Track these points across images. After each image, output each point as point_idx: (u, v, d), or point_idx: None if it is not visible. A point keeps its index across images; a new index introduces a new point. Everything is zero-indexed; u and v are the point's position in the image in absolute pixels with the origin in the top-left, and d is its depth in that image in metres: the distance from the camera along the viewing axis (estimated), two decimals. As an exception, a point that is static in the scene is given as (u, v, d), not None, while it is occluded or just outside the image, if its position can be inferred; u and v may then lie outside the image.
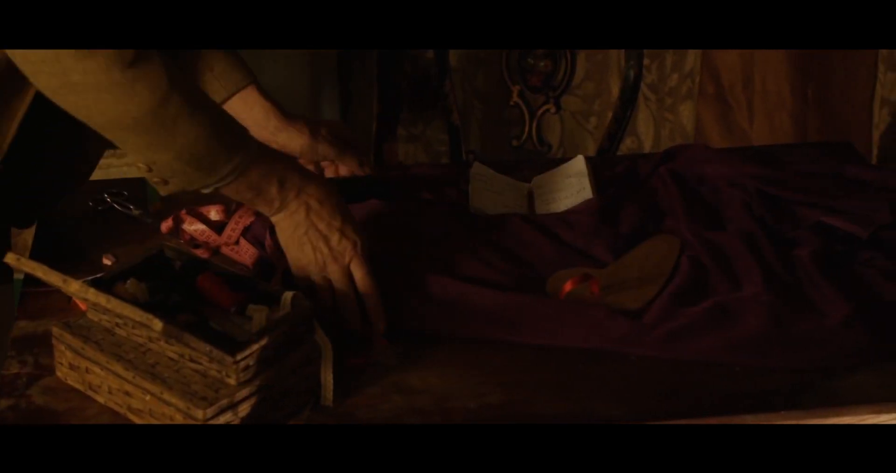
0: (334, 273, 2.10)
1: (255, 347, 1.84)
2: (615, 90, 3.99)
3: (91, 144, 2.23)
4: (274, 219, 2.10)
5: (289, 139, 2.39)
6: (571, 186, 2.52)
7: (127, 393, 1.89)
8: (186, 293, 2.00)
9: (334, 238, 2.09)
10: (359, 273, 2.11)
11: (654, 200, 2.48)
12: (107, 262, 2.28)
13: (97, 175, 3.47)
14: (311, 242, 2.09)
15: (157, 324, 1.82)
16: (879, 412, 2.00)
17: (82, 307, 2.11)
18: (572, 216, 2.39)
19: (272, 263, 2.21)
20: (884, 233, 2.36)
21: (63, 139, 2.17)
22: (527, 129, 3.36)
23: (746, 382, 2.03)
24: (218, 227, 2.32)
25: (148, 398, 1.87)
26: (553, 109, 3.34)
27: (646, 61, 3.94)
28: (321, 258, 2.09)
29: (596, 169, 2.59)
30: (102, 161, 3.48)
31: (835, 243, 2.32)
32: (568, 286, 2.16)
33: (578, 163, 2.59)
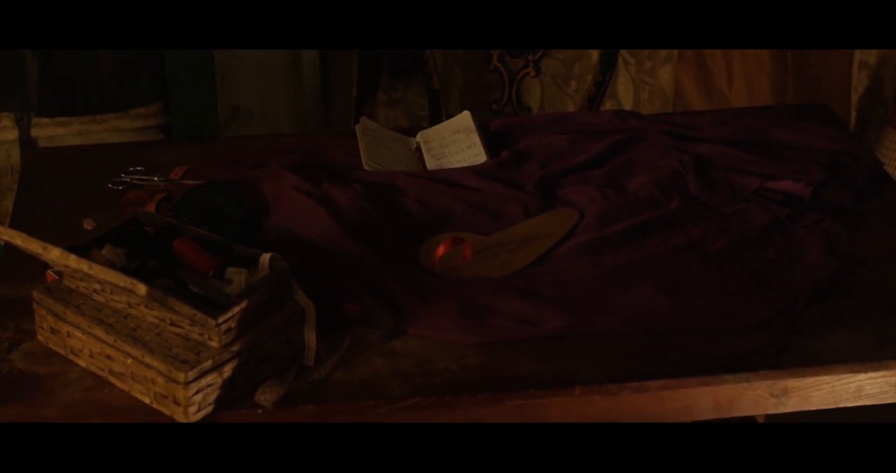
0: None
1: (237, 309, 1.84)
2: (595, 54, 3.98)
3: None
4: None
5: None
6: (460, 141, 2.54)
7: (108, 357, 1.90)
8: (163, 258, 2.00)
9: None
10: None
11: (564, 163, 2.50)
12: (87, 226, 2.28)
13: (75, 140, 3.49)
14: None
15: (142, 288, 1.82)
16: (856, 371, 2.01)
17: (50, 278, 2.11)
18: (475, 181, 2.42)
19: None
20: (821, 192, 2.40)
21: None
22: (507, 93, 3.35)
23: (725, 343, 2.04)
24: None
25: (129, 361, 1.87)
26: (533, 73, 3.33)
27: (625, 25, 3.93)
28: None
29: (484, 127, 2.60)
30: (82, 127, 3.50)
31: (778, 207, 2.34)
32: (441, 251, 2.17)
33: (465, 119, 2.60)
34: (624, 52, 4.06)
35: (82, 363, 1.95)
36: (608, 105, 4.07)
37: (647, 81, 4.08)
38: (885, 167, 2.55)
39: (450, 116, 2.73)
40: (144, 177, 2.42)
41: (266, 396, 1.89)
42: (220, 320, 1.83)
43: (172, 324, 1.88)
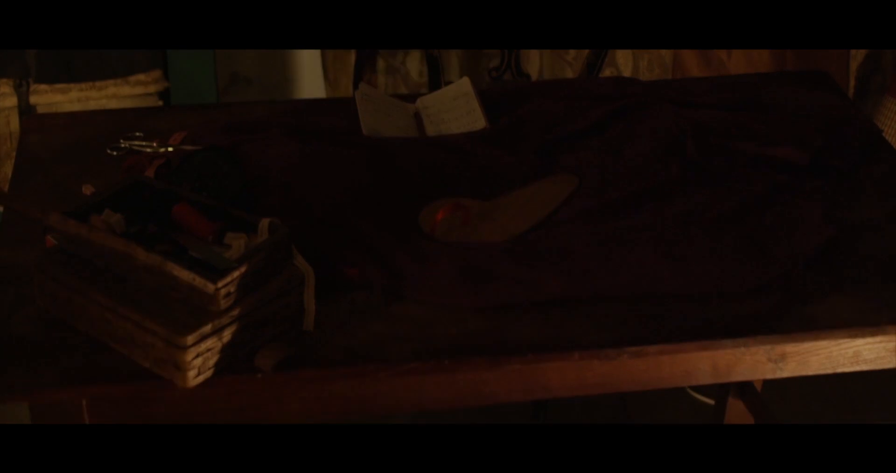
0: None
1: (236, 274, 1.84)
2: (594, 21, 3.97)
3: None
4: None
5: None
6: (459, 107, 2.54)
7: (108, 322, 1.90)
8: (162, 223, 2.00)
9: None
10: None
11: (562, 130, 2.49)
12: (86, 192, 2.28)
13: (74, 106, 3.49)
14: None
15: (141, 253, 1.83)
16: (854, 336, 2.02)
17: (49, 243, 2.11)
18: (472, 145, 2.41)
19: None
20: (820, 158, 2.40)
21: None
22: (506, 60, 3.35)
23: (723, 308, 2.04)
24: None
25: (129, 326, 1.87)
26: (532, 40, 3.32)
27: (624, -8, 3.92)
28: None
29: (483, 93, 2.59)
30: (80, 94, 3.50)
31: (776, 173, 2.34)
32: (440, 216, 2.18)
33: (464, 85, 2.60)
34: (623, 20, 4.05)
35: (82, 328, 1.95)
36: (607, 73, 4.07)
37: (647, 48, 4.07)
38: (883, 134, 2.55)
39: (448, 83, 2.73)
40: (143, 143, 2.42)
41: (265, 360, 1.89)
42: (220, 284, 1.83)
43: (172, 289, 1.88)
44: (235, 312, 1.86)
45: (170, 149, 2.39)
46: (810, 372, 2.06)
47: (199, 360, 1.84)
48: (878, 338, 2.03)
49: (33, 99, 3.49)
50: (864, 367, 2.06)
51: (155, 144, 2.41)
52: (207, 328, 1.84)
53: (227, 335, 1.86)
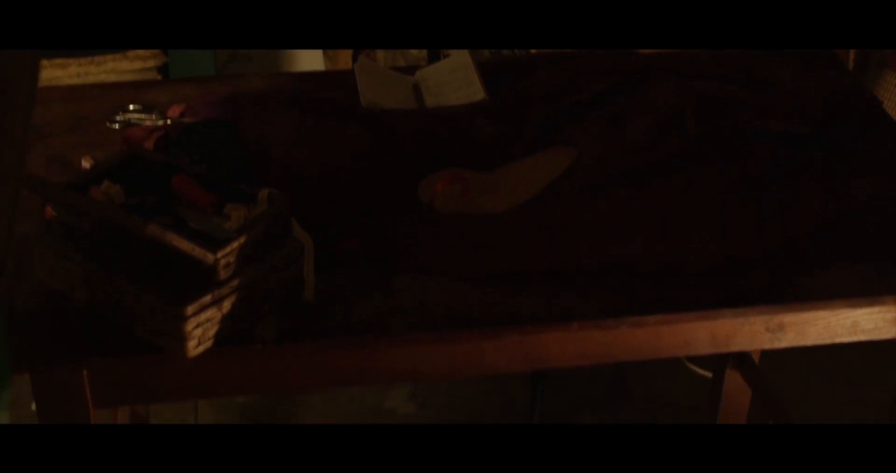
0: None
1: (236, 244, 1.85)
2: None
3: None
4: None
5: None
6: (458, 79, 2.54)
7: (108, 294, 1.90)
8: (162, 195, 2.00)
9: None
10: None
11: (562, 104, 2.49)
12: (85, 164, 2.28)
13: (73, 81, 3.48)
14: None
15: (140, 225, 1.83)
16: (853, 306, 2.02)
17: (49, 215, 2.11)
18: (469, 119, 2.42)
19: None
20: (821, 132, 2.40)
21: None
22: (505, 34, 3.34)
23: (723, 279, 2.05)
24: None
25: (130, 297, 1.88)
26: (531, 14, 3.32)
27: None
28: None
29: (482, 65, 2.59)
30: (80, 69, 3.49)
31: (778, 146, 2.34)
32: (439, 187, 2.19)
33: (463, 57, 2.60)
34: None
35: (82, 300, 1.95)
36: (606, 46, 4.06)
37: (646, 22, 4.07)
38: (883, 107, 2.55)
39: (448, 56, 2.73)
40: (142, 116, 2.42)
41: (266, 331, 1.90)
42: (219, 255, 1.83)
43: (172, 260, 1.88)
44: (235, 282, 1.87)
45: (169, 122, 2.39)
46: (808, 342, 2.06)
47: (199, 330, 1.85)
48: (877, 308, 2.04)
49: (32, 74, 3.49)
50: (862, 337, 2.06)
51: (154, 117, 2.41)
52: (207, 299, 1.84)
53: (226, 305, 1.87)
